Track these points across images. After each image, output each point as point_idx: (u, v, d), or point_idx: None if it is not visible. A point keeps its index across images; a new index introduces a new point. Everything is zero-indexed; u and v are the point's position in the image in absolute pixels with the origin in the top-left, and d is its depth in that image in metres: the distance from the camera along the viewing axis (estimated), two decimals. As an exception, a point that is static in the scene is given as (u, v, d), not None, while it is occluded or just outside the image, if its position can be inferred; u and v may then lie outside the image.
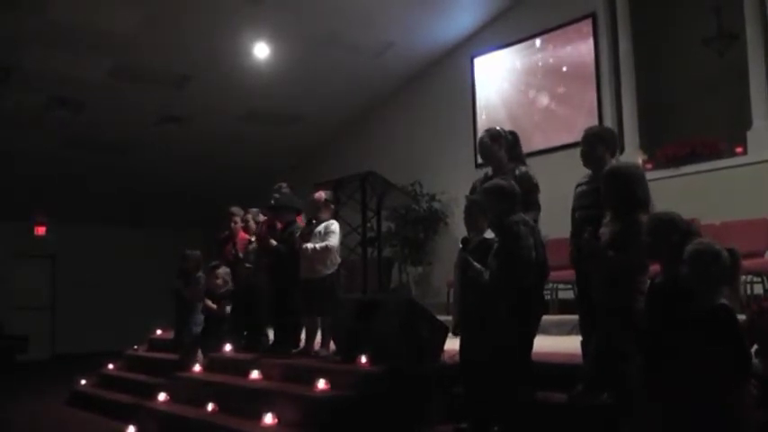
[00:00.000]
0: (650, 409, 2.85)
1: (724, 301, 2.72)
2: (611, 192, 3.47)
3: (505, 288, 3.76)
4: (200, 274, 7.08)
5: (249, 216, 7.07)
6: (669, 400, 2.76)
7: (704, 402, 2.65)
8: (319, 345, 5.89)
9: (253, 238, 6.82)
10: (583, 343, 4.05)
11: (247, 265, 6.75)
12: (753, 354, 2.89)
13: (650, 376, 2.86)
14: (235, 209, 7.19)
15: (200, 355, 6.53)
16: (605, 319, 3.43)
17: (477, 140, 4.78)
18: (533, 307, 3.90)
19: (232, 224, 7.07)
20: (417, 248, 10.67)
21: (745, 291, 5.86)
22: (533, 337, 3.95)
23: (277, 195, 6.43)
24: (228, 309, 6.71)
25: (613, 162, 3.95)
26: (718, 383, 2.63)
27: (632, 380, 3.04)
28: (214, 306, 6.65)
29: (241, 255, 6.86)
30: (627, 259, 3.29)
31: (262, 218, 6.93)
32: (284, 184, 6.58)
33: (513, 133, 4.67)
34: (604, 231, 3.47)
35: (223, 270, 6.77)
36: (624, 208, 3.40)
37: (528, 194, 4.22)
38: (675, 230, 2.95)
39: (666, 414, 2.77)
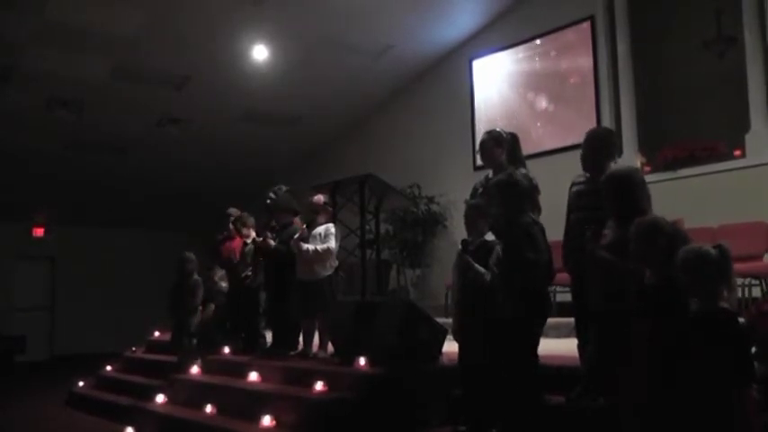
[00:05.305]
0: (648, 413, 2.85)
1: (724, 304, 2.71)
2: (611, 197, 3.46)
3: (514, 290, 3.74)
4: (197, 276, 7.11)
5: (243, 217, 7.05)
6: (669, 404, 2.76)
7: (706, 406, 2.64)
8: (317, 347, 5.89)
9: (248, 240, 6.81)
10: (579, 345, 4.05)
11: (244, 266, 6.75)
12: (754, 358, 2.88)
13: (650, 378, 2.85)
14: (232, 210, 7.19)
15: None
16: (600, 321, 3.43)
17: (479, 142, 4.74)
18: (541, 309, 3.89)
19: (231, 225, 7.06)
20: (416, 251, 10.66)
21: (743, 293, 5.85)
22: (539, 338, 3.94)
23: (273, 196, 6.43)
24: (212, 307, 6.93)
25: (612, 166, 3.95)
26: (719, 387, 2.63)
27: (623, 386, 3.04)
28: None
29: (238, 256, 6.85)
30: (623, 264, 3.29)
31: (252, 221, 6.89)
32: (283, 187, 6.58)
33: (512, 135, 4.65)
34: (607, 234, 3.47)
35: (220, 273, 6.82)
36: (625, 213, 3.39)
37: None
38: (661, 234, 2.96)
39: (667, 417, 2.76)
